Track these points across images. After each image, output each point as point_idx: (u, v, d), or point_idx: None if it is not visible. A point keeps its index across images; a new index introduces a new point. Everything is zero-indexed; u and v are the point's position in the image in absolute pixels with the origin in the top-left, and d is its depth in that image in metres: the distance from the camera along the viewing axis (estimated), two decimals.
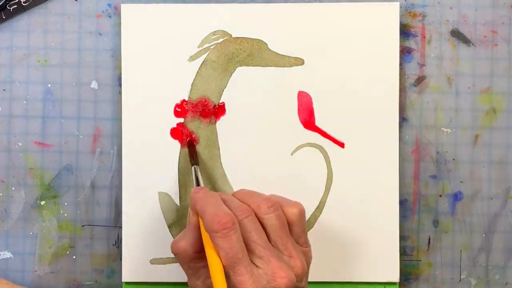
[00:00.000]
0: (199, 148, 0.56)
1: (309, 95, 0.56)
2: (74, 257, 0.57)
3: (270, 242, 0.47)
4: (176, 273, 0.56)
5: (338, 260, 0.56)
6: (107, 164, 0.57)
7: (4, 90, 0.57)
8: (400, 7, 0.56)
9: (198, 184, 0.52)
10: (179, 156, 0.56)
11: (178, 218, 0.56)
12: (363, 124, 0.56)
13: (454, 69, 0.57)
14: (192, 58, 0.56)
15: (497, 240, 0.57)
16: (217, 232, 0.45)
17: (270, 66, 0.56)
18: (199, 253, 0.48)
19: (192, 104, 0.56)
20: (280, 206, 0.48)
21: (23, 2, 0.56)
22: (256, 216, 0.47)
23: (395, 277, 0.56)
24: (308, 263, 0.49)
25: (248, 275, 0.44)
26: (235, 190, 0.56)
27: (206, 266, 0.47)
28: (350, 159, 0.56)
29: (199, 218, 0.47)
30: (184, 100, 0.56)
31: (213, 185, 0.56)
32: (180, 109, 0.56)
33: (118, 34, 0.57)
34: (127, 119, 0.56)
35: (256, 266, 0.45)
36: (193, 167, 0.53)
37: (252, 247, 0.46)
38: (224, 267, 0.45)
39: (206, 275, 0.48)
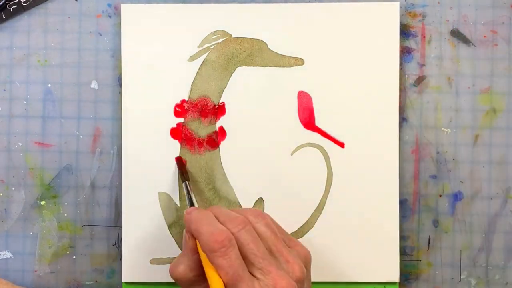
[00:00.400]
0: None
1: (309, 95, 0.56)
2: (74, 257, 0.57)
3: None
4: None
5: (338, 260, 0.56)
6: (107, 164, 0.57)
7: (4, 90, 0.57)
8: (400, 7, 0.56)
9: (190, 201, 0.51)
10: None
11: (178, 218, 0.56)
12: (363, 124, 0.56)
13: (454, 69, 0.57)
14: (192, 58, 0.56)
15: (497, 240, 0.57)
16: (215, 252, 0.44)
17: (270, 66, 0.56)
18: (199, 276, 0.47)
19: (192, 104, 0.56)
20: (266, 215, 0.48)
21: (23, 2, 0.56)
22: None
23: (395, 277, 0.56)
24: (306, 263, 0.48)
25: None
26: (235, 190, 0.56)
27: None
28: (350, 159, 0.56)
29: (196, 239, 0.46)
30: (184, 100, 0.56)
31: (213, 185, 0.56)
32: (180, 109, 0.56)
33: (118, 34, 0.57)
34: (127, 119, 0.56)
35: (256, 278, 0.45)
36: (184, 183, 0.53)
37: (251, 258, 0.45)
38: (225, 286, 0.44)
39: None
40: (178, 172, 0.55)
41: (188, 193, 0.52)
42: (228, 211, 0.48)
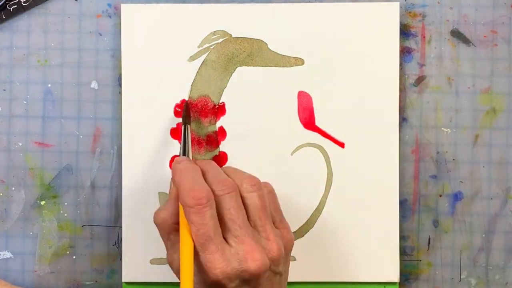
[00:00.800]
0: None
1: (309, 95, 0.56)
2: (74, 257, 0.57)
3: (249, 222, 0.46)
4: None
5: (338, 260, 0.56)
6: (107, 164, 0.57)
7: (4, 90, 0.57)
8: (400, 7, 0.56)
9: (184, 148, 0.51)
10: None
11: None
12: (363, 124, 0.56)
13: (454, 69, 0.57)
14: (192, 58, 0.56)
15: (497, 240, 0.57)
16: (191, 207, 0.44)
17: (270, 66, 0.56)
18: (178, 225, 0.47)
19: (192, 104, 0.56)
20: (263, 186, 0.47)
21: (23, 2, 0.56)
22: None
23: (395, 277, 0.56)
24: (287, 246, 0.47)
25: (218, 254, 0.44)
26: None
27: None
28: (350, 159, 0.56)
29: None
30: (184, 100, 0.56)
31: None
32: (180, 109, 0.56)
33: (118, 34, 0.57)
34: (127, 119, 0.56)
35: (230, 245, 0.44)
36: (185, 126, 0.52)
37: (228, 224, 0.45)
38: (194, 243, 0.44)
39: None
40: (182, 115, 0.53)
41: (185, 138, 0.51)
42: (221, 172, 0.47)
